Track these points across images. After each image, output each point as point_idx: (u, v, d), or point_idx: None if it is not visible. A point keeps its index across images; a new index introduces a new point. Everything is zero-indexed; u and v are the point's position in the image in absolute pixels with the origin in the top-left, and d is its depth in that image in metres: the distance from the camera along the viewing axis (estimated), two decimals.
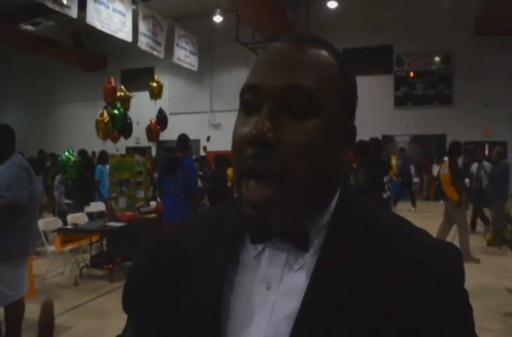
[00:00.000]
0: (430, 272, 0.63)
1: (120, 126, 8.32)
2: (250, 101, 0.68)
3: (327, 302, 0.63)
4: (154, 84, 10.49)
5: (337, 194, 0.73)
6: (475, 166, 10.74)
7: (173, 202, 5.72)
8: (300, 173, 0.63)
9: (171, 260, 0.77)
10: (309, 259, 0.68)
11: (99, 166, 9.38)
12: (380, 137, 17.54)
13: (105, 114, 8.11)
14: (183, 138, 6.06)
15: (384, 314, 0.61)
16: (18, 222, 3.61)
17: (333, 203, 0.72)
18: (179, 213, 5.54)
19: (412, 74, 18.31)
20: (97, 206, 8.69)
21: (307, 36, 0.72)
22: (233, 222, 0.77)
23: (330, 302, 0.63)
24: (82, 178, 8.82)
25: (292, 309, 0.65)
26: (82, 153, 10.06)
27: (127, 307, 0.73)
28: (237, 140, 0.68)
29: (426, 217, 10.97)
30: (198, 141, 18.95)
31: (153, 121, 10.14)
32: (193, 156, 14.41)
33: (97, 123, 8.16)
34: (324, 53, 0.69)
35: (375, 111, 17.47)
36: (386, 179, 5.88)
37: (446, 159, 7.98)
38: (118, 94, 8.43)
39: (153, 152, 18.05)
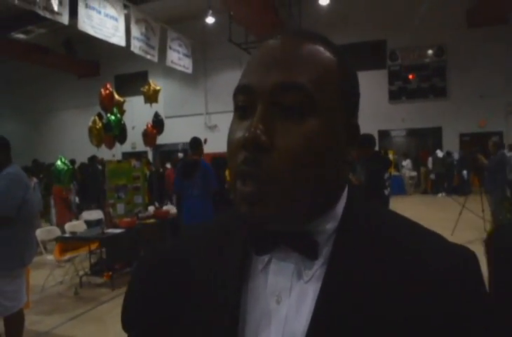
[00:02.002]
0: (447, 278, 0.60)
1: (118, 132, 8.31)
2: (243, 103, 0.64)
3: (337, 315, 0.60)
4: (147, 89, 10.49)
5: (344, 199, 0.70)
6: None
7: (193, 204, 5.78)
8: (293, 175, 0.60)
9: (173, 276, 0.73)
10: (319, 270, 0.65)
11: None
12: (376, 132, 17.63)
13: (97, 121, 8.10)
14: (196, 141, 6.11)
15: (398, 326, 0.58)
16: (14, 232, 3.59)
17: (340, 209, 0.68)
18: (199, 214, 5.63)
19: (410, 75, 18.33)
20: (95, 214, 8.67)
21: (302, 31, 0.68)
22: (238, 235, 0.74)
23: (341, 315, 0.60)
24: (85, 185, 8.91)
25: (304, 323, 0.62)
26: (92, 159, 10.15)
27: (127, 326, 0.70)
28: (231, 144, 0.65)
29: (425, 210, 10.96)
30: None
31: (149, 126, 10.12)
32: None
33: (90, 129, 8.15)
34: (319, 46, 0.65)
35: (370, 106, 17.47)
36: (386, 175, 5.86)
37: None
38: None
39: (150, 157, 18.05)
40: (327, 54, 0.65)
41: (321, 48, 0.65)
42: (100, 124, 8.12)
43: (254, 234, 0.68)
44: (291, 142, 0.60)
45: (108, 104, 8.38)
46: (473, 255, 0.65)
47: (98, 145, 8.27)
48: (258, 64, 0.64)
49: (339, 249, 0.65)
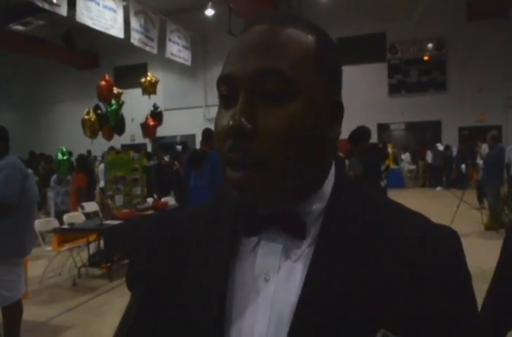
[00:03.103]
0: (429, 256, 0.63)
1: (114, 123, 8.30)
2: (226, 93, 0.66)
3: (326, 291, 0.63)
4: (145, 80, 10.49)
5: (332, 180, 0.72)
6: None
7: (199, 195, 5.74)
8: (280, 159, 0.62)
9: (175, 240, 0.75)
10: (307, 249, 0.67)
11: None
12: (375, 126, 17.61)
13: (91, 113, 8.12)
14: (207, 132, 6.10)
15: (384, 301, 0.61)
16: (14, 221, 3.60)
17: (328, 190, 0.71)
18: None
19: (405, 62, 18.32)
20: (91, 206, 8.66)
21: (280, 15, 0.68)
22: (228, 216, 0.76)
23: (330, 291, 0.63)
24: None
25: (293, 299, 0.64)
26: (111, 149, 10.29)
27: (131, 284, 0.71)
28: (217, 133, 0.66)
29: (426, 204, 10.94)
30: (193, 136, 18.92)
31: (149, 117, 10.13)
32: None
33: (83, 121, 8.17)
34: (296, 29, 0.65)
35: (369, 99, 17.49)
36: (382, 167, 5.86)
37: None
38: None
39: (149, 149, 18.05)
40: (305, 36, 0.65)
41: (298, 31, 0.65)
42: (94, 116, 8.13)
43: (244, 216, 0.70)
44: (274, 127, 0.61)
45: (107, 95, 8.37)
46: (455, 234, 0.67)
47: (91, 137, 8.28)
48: (237, 53, 0.65)
49: (327, 229, 0.67)
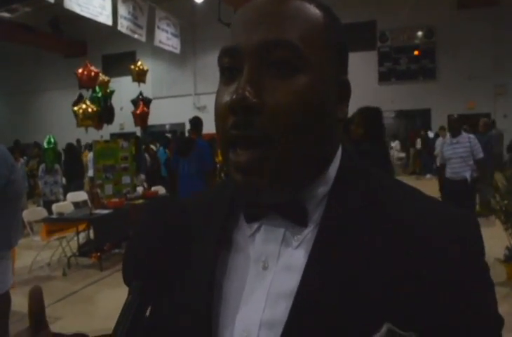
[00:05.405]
0: (444, 244, 0.58)
1: (99, 111, 8.25)
2: (229, 66, 0.62)
3: (327, 278, 0.59)
4: (134, 66, 10.41)
5: (338, 162, 0.68)
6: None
7: (189, 182, 5.77)
8: (288, 135, 0.58)
9: (173, 229, 0.70)
10: (308, 234, 0.63)
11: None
12: None
13: (83, 102, 8.07)
14: (196, 121, 6.14)
15: (391, 292, 0.56)
16: (0, 212, 3.54)
17: (332, 174, 0.66)
18: (194, 192, 5.58)
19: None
20: (79, 196, 8.59)
21: None
22: (226, 201, 0.73)
23: (331, 278, 0.59)
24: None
25: (291, 287, 0.61)
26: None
27: (128, 278, 0.68)
28: (218, 110, 0.63)
29: None
30: (183, 124, 18.82)
31: (142, 105, 10.07)
32: None
33: (74, 112, 8.12)
34: (306, 3, 0.63)
35: (360, 87, 17.29)
36: None
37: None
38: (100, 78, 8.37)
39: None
40: (313, 9, 0.63)
41: (306, 4, 0.63)
42: (86, 105, 8.07)
43: (244, 202, 0.68)
44: (282, 100, 0.58)
45: (89, 83, 8.29)
46: (475, 221, 0.64)
47: (86, 126, 8.22)
48: (242, 24, 0.62)
49: (330, 214, 0.63)
